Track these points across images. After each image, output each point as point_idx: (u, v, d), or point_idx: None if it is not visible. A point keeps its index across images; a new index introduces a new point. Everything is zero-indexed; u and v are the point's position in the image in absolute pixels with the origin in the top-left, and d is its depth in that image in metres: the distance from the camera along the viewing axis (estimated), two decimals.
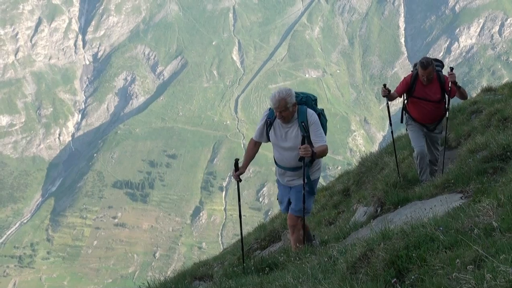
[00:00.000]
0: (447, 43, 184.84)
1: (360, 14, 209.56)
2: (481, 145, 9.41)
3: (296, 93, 8.12)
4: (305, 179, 8.07)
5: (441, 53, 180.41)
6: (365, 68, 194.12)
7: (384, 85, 10.46)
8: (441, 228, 5.18)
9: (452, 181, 8.14)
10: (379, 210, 9.36)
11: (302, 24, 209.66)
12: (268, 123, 8.36)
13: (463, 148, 10.31)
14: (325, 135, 8.23)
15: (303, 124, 7.89)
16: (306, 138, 7.78)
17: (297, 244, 8.48)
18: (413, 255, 4.82)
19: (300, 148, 7.63)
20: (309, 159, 8.00)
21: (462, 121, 13.28)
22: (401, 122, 10.78)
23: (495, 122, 11.07)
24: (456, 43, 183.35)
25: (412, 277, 4.56)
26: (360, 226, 8.70)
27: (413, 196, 8.57)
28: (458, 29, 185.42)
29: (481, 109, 13.32)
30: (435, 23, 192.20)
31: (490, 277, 3.77)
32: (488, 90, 17.27)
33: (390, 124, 11.82)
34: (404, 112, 10.77)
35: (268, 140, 8.50)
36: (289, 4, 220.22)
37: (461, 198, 7.24)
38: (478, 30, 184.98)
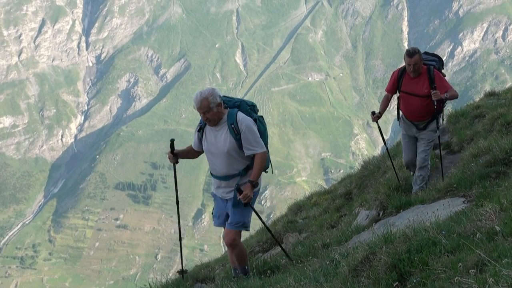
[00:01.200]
0: (451, 47, 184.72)
1: (364, 17, 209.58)
2: (484, 149, 9.41)
3: (228, 97, 7.61)
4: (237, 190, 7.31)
5: (445, 57, 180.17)
6: (368, 72, 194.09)
7: (373, 113, 10.22)
8: (443, 232, 5.18)
9: (455, 185, 8.13)
10: (381, 214, 9.36)
11: (306, 28, 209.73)
12: (199, 128, 7.76)
13: (466, 153, 10.30)
14: (266, 144, 7.66)
15: (232, 126, 7.27)
16: (236, 142, 7.29)
17: (240, 261, 7.91)
18: (415, 258, 4.82)
19: (240, 199, 7.12)
20: (242, 167, 7.46)
21: (465, 125, 13.27)
22: (398, 119, 10.53)
23: (498, 126, 11.06)
24: (460, 47, 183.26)
25: (414, 281, 4.56)
26: (362, 229, 8.70)
27: (415, 200, 8.56)
28: (461, 34, 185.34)
29: (484, 113, 13.31)
30: (439, 27, 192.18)
31: (492, 281, 3.77)
32: (491, 94, 17.26)
33: (384, 143, 11.71)
34: (398, 109, 10.41)
35: (202, 148, 7.82)
36: (293, 7, 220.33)
37: (463, 202, 7.24)
38: (482, 34, 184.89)
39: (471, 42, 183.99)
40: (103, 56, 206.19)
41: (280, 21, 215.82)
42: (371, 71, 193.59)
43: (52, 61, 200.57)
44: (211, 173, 7.89)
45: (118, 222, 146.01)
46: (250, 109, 7.65)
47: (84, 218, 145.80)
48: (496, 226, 4.85)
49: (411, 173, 10.46)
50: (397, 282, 4.57)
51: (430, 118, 9.96)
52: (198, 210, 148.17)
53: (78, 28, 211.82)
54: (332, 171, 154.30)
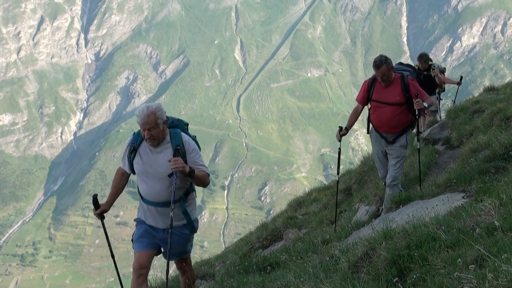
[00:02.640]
0: (450, 42, 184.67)
1: (363, 13, 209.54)
2: (483, 144, 9.41)
3: (167, 116, 6.87)
4: (183, 216, 6.83)
5: (444, 52, 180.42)
6: (367, 67, 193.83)
7: (340, 128, 9.69)
8: (443, 228, 5.18)
9: (454, 180, 8.13)
10: (381, 209, 9.37)
11: (305, 23, 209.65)
12: (132, 149, 6.95)
13: (465, 148, 10.29)
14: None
15: (178, 148, 6.59)
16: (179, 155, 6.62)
17: (192, 282, 7.42)
18: (415, 254, 4.82)
19: (170, 161, 6.42)
20: (182, 192, 6.79)
21: (464, 120, 13.27)
22: (367, 133, 10.01)
23: (498, 121, 11.06)
24: (459, 42, 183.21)
25: (414, 276, 4.56)
26: (362, 225, 8.70)
27: (415, 196, 8.56)
28: (460, 28, 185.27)
29: (483, 108, 13.31)
30: (438, 22, 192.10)
31: (492, 277, 3.78)
32: (490, 89, 17.28)
33: (338, 172, 10.96)
34: (369, 121, 9.85)
35: (132, 171, 7.11)
36: (292, 3, 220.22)
37: (463, 197, 7.24)
38: (481, 29, 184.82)
39: (470, 37, 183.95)
40: (102, 53, 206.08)
41: (279, 17, 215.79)
42: (370, 66, 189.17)
43: (51, 59, 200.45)
44: (142, 198, 7.12)
45: (118, 219, 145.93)
46: (186, 128, 7.11)
47: (84, 215, 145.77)
48: (495, 221, 4.85)
49: (387, 187, 9.88)
50: (396, 278, 4.57)
51: (401, 129, 9.41)
52: (198, 207, 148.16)
53: (77, 25, 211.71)
54: (332, 167, 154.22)
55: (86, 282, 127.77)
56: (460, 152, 10.61)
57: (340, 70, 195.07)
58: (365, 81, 9.79)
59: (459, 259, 4.35)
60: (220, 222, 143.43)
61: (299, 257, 7.65)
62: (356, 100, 9.86)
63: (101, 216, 7.20)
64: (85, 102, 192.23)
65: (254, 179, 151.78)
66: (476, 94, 18.23)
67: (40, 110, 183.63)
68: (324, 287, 4.94)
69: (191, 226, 6.97)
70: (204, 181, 6.78)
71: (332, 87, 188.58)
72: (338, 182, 11.30)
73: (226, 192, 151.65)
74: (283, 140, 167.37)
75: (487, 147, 9.14)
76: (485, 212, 5.30)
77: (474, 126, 12.04)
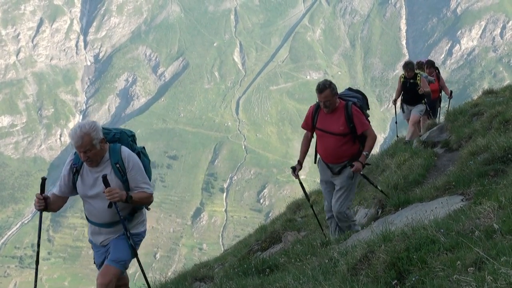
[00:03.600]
0: (449, 45, 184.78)
1: (362, 16, 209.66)
2: (482, 147, 9.41)
3: (106, 128, 6.49)
4: (128, 232, 6.41)
5: (443, 55, 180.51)
6: (366, 70, 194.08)
7: (293, 169, 9.24)
8: (442, 230, 5.18)
9: (453, 183, 8.15)
10: (380, 212, 9.37)
11: (304, 26, 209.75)
12: (75, 171, 6.49)
13: (464, 150, 10.30)
14: (150, 179, 6.58)
15: (117, 166, 6.18)
16: (123, 184, 6.26)
17: None
18: (414, 257, 4.83)
19: (104, 192, 6.03)
20: (127, 212, 6.46)
21: (463, 123, 13.28)
22: (314, 162, 9.53)
23: (496, 124, 11.06)
24: (458, 45, 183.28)
25: (413, 279, 4.57)
26: (361, 227, 8.71)
27: (414, 198, 8.57)
28: (459, 32, 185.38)
29: (482, 111, 13.32)
30: (437, 25, 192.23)
31: (491, 279, 3.78)
32: (489, 92, 17.31)
33: (308, 199, 10.56)
34: (316, 150, 9.41)
35: (75, 191, 6.57)
36: (291, 5, 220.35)
37: (462, 200, 7.25)
38: (480, 32, 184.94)
39: (469, 40, 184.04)
40: (101, 55, 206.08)
41: (278, 19, 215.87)
42: (370, 69, 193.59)
43: (50, 60, 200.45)
44: (87, 219, 6.74)
45: None
46: (131, 140, 6.73)
47: (83, 217, 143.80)
48: (494, 224, 4.86)
49: (329, 220, 9.43)
50: (396, 281, 4.58)
51: (347, 160, 8.88)
52: (197, 209, 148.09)
53: (76, 27, 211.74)
54: None
55: (84, 284, 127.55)
56: (459, 155, 10.62)
57: (339, 73, 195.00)
58: (310, 107, 9.28)
59: (458, 262, 4.36)
60: (219, 225, 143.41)
61: (298, 260, 7.65)
62: (302, 127, 9.41)
63: (43, 204, 6.51)
64: (84, 104, 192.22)
65: (253, 181, 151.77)
66: (475, 97, 18.27)
67: (39, 112, 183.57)
68: None
69: (131, 249, 6.57)
70: (145, 202, 6.45)
71: None
72: (312, 206, 11.08)
73: (225, 194, 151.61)
74: (282, 143, 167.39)
75: (486, 150, 9.15)
76: (484, 215, 5.30)
77: (473, 129, 12.05)
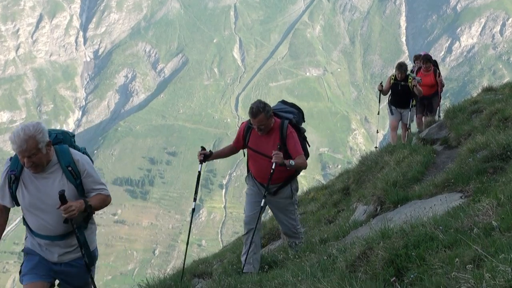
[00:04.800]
0: (448, 42, 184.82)
1: (362, 12, 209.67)
2: (481, 144, 9.39)
3: (49, 129, 5.71)
4: (83, 250, 5.74)
5: (442, 53, 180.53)
6: (366, 67, 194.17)
7: (203, 148, 8.33)
8: (440, 227, 5.18)
9: (452, 180, 8.13)
10: (378, 209, 9.36)
11: (303, 23, 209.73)
12: (13, 179, 5.61)
13: (463, 148, 10.27)
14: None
15: (70, 169, 5.51)
16: (77, 188, 5.63)
17: None
18: (413, 254, 4.83)
19: (60, 209, 5.32)
20: (81, 219, 5.76)
21: (463, 120, 13.26)
22: (247, 175, 8.80)
23: (496, 121, 11.04)
24: (457, 42, 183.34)
25: (411, 276, 4.57)
26: (359, 224, 8.70)
27: (412, 195, 8.56)
28: (459, 29, 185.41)
29: (481, 108, 13.30)
30: (437, 22, 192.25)
31: (489, 277, 3.78)
32: (488, 89, 17.27)
33: (195, 199, 8.99)
34: (248, 168, 8.70)
35: (16, 203, 5.70)
36: (291, 2, 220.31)
37: (461, 197, 7.24)
38: (480, 29, 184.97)
39: (468, 37, 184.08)
40: (100, 51, 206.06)
41: (278, 16, 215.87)
42: (369, 66, 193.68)
43: (50, 56, 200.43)
44: (31, 232, 5.83)
45: (116, 217, 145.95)
46: (73, 141, 6.01)
47: None
48: (493, 221, 4.85)
49: (246, 234, 8.44)
50: (394, 277, 4.57)
51: (283, 181, 8.31)
52: (196, 206, 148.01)
53: (76, 23, 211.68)
54: (330, 166, 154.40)
55: None
56: (458, 152, 10.60)
57: (339, 70, 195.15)
58: (241, 125, 8.53)
59: (457, 259, 4.35)
60: (218, 221, 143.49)
61: (296, 256, 7.64)
62: (234, 144, 8.64)
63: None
64: (83, 100, 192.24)
65: None
66: (475, 94, 18.22)
67: (38, 108, 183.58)
68: (322, 286, 4.94)
69: (91, 258, 5.94)
70: (104, 205, 5.89)
71: (331, 87, 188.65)
72: (193, 210, 9.09)
73: (224, 191, 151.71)
74: None
75: (485, 147, 9.13)
76: (482, 212, 5.30)
77: (472, 126, 12.03)
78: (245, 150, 8.50)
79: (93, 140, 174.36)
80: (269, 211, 9.60)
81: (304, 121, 8.91)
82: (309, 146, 8.75)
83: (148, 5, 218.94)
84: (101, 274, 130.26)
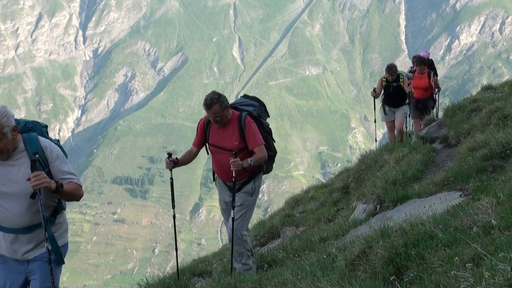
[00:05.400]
0: (448, 40, 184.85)
1: (361, 11, 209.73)
2: (480, 143, 9.39)
3: (18, 119, 5.40)
4: (48, 243, 5.26)
5: (442, 51, 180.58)
6: (365, 66, 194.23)
7: (169, 155, 8.03)
8: (440, 226, 5.18)
9: (452, 179, 8.13)
10: (378, 208, 9.36)
11: (303, 21, 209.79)
12: None
13: (462, 146, 10.27)
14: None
15: (37, 156, 5.11)
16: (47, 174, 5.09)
17: None
18: (412, 252, 4.82)
19: (29, 179, 4.90)
20: (49, 212, 5.39)
21: (462, 119, 13.25)
22: (213, 180, 8.59)
23: (495, 120, 11.04)
24: (457, 41, 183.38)
25: (411, 274, 4.57)
26: (359, 223, 8.69)
27: (412, 194, 8.55)
28: (458, 27, 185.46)
29: (481, 107, 13.29)
30: (436, 21, 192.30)
31: (488, 275, 3.78)
32: (488, 88, 17.25)
33: (173, 206, 8.73)
34: (213, 169, 8.43)
35: None
36: (290, 1, 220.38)
37: (460, 196, 7.24)
38: (479, 28, 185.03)
39: (468, 36, 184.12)
40: (100, 50, 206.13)
41: (277, 14, 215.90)
42: (369, 64, 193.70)
43: (49, 55, 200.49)
44: None
45: (116, 216, 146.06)
46: (45, 132, 5.61)
47: (82, 212, 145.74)
48: (492, 220, 4.85)
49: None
50: (394, 276, 4.57)
51: (245, 177, 8.06)
52: (195, 204, 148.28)
53: (75, 22, 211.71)
54: (330, 164, 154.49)
55: (83, 279, 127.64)
56: (457, 151, 10.60)
57: (338, 68, 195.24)
58: (200, 120, 8.26)
59: (456, 258, 4.35)
60: (218, 220, 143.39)
61: (296, 255, 7.65)
62: (193, 144, 8.40)
63: None
64: (83, 99, 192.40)
65: None
66: (474, 93, 18.21)
67: (38, 107, 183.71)
68: (321, 285, 4.94)
69: (59, 255, 5.51)
70: (76, 195, 5.42)
71: (330, 85, 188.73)
72: (174, 217, 9.14)
73: None
74: (281, 138, 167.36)
75: (484, 145, 9.13)
76: (482, 211, 5.30)
77: (471, 124, 12.02)
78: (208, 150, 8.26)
79: (93, 139, 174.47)
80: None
81: (268, 116, 8.69)
82: (274, 141, 8.65)
83: (147, 3, 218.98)
84: (101, 273, 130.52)
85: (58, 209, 5.52)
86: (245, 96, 8.66)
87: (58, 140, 5.67)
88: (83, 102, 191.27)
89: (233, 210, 7.92)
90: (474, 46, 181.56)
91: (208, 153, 8.29)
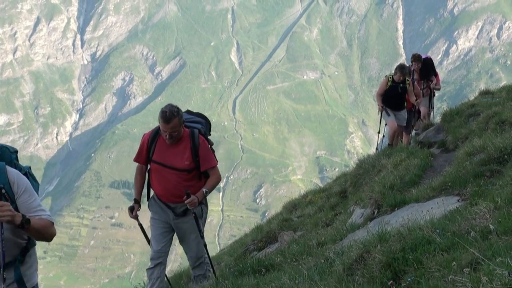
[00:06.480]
0: (446, 45, 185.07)
1: (359, 16, 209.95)
2: (478, 148, 9.39)
3: None
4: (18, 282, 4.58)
5: (440, 56, 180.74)
6: (363, 70, 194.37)
7: (131, 208, 7.47)
8: (437, 231, 5.18)
9: (449, 183, 8.13)
10: (376, 212, 9.35)
11: (301, 26, 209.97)
12: None
13: (460, 151, 10.27)
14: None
15: (3, 191, 4.21)
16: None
17: None
18: (410, 257, 4.83)
19: None
20: (18, 251, 4.63)
21: (460, 123, 13.26)
22: (147, 199, 7.84)
23: (493, 125, 11.04)
24: (455, 45, 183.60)
25: (409, 279, 4.57)
26: (357, 227, 8.69)
27: (410, 198, 8.55)
28: (456, 32, 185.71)
29: (478, 112, 13.30)
30: (434, 26, 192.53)
31: (486, 280, 3.78)
32: (485, 93, 17.26)
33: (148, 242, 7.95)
34: (149, 186, 7.76)
35: None
36: (288, 5, 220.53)
37: (458, 200, 7.24)
38: (477, 33, 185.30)
39: (466, 41, 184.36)
40: (98, 54, 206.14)
41: (275, 19, 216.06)
42: (366, 69, 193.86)
43: (47, 59, 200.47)
44: None
45: (113, 220, 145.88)
46: (15, 158, 4.90)
47: (79, 216, 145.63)
48: (490, 225, 4.85)
49: (152, 269, 7.64)
50: (391, 281, 4.57)
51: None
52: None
53: (73, 26, 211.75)
54: (327, 169, 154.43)
55: (80, 283, 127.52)
56: (455, 156, 10.60)
57: (336, 73, 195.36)
58: (144, 135, 7.68)
59: (454, 262, 4.35)
60: (215, 224, 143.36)
61: (294, 260, 7.64)
62: (134, 160, 7.81)
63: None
64: (81, 103, 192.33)
65: (250, 181, 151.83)
66: (472, 98, 18.23)
67: (35, 111, 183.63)
68: None
69: None
70: (46, 233, 4.70)
71: (328, 90, 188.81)
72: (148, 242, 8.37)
73: (221, 194, 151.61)
74: (279, 143, 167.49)
75: (482, 150, 9.13)
76: (480, 216, 5.30)
77: (469, 129, 12.03)
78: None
79: (91, 143, 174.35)
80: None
81: (210, 134, 8.21)
82: (217, 162, 7.79)
83: (145, 8, 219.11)
84: (98, 277, 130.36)
85: (29, 247, 4.80)
86: (189, 111, 8.12)
87: (30, 167, 5.01)
88: (81, 106, 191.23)
89: (195, 243, 7.68)
90: (472, 51, 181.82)
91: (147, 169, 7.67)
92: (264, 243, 11.80)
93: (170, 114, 6.99)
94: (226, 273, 8.48)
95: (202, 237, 7.87)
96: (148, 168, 7.67)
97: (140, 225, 7.92)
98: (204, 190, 7.27)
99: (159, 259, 7.55)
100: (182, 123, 7.18)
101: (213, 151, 7.77)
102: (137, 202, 7.55)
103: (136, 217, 7.56)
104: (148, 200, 7.80)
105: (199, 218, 7.69)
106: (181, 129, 7.21)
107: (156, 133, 7.43)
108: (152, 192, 7.79)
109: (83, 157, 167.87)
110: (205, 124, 7.97)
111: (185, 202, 7.05)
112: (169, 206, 7.52)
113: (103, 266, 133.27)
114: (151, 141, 7.47)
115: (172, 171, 7.29)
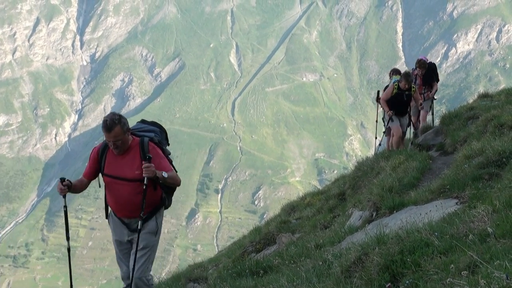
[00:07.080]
0: (445, 48, 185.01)
1: (358, 18, 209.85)
2: (477, 151, 9.41)
3: None
4: None
5: (439, 59, 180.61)
6: (362, 73, 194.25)
7: (62, 180, 7.41)
8: (436, 234, 5.18)
9: (448, 186, 8.14)
10: (374, 215, 9.36)
11: (300, 28, 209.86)
12: None
13: (459, 154, 10.29)
14: None
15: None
16: None
17: None
18: (408, 260, 4.83)
19: None
20: None
21: (459, 126, 13.28)
22: (106, 217, 7.69)
23: (491, 128, 11.07)
24: (454, 48, 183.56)
25: (407, 282, 4.57)
26: (355, 230, 8.70)
27: (408, 201, 8.56)
28: (455, 35, 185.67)
29: (477, 115, 13.32)
30: (433, 29, 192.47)
31: (484, 283, 3.78)
32: (484, 96, 17.30)
33: (67, 237, 8.03)
34: (107, 204, 7.60)
35: None
36: (287, 7, 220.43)
37: (456, 203, 7.24)
38: (476, 36, 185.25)
39: (465, 44, 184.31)
40: (97, 55, 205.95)
41: (275, 21, 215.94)
42: (366, 72, 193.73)
43: (47, 60, 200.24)
44: None
45: None
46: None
47: (77, 217, 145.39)
48: (488, 228, 4.86)
49: None
50: (389, 283, 4.58)
51: (147, 211, 7.15)
52: (191, 210, 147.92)
53: (73, 27, 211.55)
54: (326, 171, 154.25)
55: (78, 284, 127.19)
56: (454, 158, 10.62)
57: (335, 75, 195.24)
58: (94, 149, 7.47)
59: (452, 265, 4.36)
60: (214, 226, 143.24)
61: (292, 261, 7.64)
62: (83, 175, 7.58)
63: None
64: (80, 104, 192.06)
65: (248, 183, 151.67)
66: (471, 101, 18.24)
67: (34, 112, 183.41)
68: None
69: None
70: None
71: (327, 92, 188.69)
72: (69, 250, 8.45)
73: (219, 195, 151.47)
74: (278, 145, 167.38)
75: (480, 153, 9.15)
76: (478, 219, 5.31)
77: (468, 132, 12.05)
78: (101, 181, 7.41)
79: (89, 144, 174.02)
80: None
81: (168, 143, 7.74)
82: (176, 171, 7.31)
83: (145, 9, 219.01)
84: (96, 278, 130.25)
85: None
86: (143, 121, 7.90)
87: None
88: (80, 107, 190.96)
89: (136, 254, 7.16)
90: (471, 54, 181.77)
91: (100, 186, 7.41)
92: (262, 245, 11.81)
93: (111, 122, 6.76)
94: (224, 274, 8.48)
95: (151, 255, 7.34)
96: (104, 184, 7.41)
97: (65, 207, 7.82)
98: (163, 172, 6.85)
99: (128, 279, 7.29)
100: (126, 131, 6.89)
101: (170, 160, 7.34)
102: (70, 182, 7.35)
103: (64, 194, 7.46)
104: (106, 217, 7.65)
105: (153, 234, 7.25)
106: (126, 137, 6.94)
107: (105, 145, 7.17)
108: (110, 209, 7.58)
109: (82, 158, 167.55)
110: (160, 132, 7.59)
111: (143, 166, 6.74)
112: (123, 221, 7.33)
113: (101, 267, 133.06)
114: (101, 154, 7.25)
115: (124, 183, 7.05)
